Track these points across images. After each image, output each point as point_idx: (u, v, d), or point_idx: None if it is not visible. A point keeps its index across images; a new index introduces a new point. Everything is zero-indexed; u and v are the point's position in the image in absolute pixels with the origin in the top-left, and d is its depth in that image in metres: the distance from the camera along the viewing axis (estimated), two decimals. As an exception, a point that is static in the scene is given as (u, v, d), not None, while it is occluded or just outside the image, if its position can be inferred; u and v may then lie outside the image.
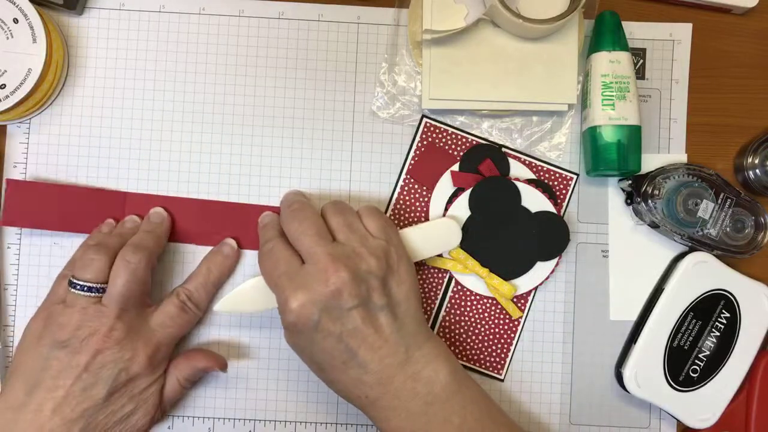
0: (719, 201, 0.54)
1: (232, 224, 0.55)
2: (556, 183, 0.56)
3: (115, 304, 0.48)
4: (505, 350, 0.56)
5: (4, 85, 0.51)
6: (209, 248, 0.55)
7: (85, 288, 0.48)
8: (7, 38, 0.51)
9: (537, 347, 0.56)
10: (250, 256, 0.55)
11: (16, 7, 0.51)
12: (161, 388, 0.50)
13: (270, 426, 0.55)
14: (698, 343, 0.54)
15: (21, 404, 0.46)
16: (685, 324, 0.54)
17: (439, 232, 0.53)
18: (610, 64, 0.53)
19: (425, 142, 0.56)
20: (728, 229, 0.54)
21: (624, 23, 0.54)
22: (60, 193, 0.53)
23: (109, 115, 0.55)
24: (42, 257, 0.55)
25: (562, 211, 0.56)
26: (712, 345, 0.54)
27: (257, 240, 0.53)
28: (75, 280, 0.48)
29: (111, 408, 0.47)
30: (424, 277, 0.55)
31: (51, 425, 0.45)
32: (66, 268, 0.52)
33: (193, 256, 0.55)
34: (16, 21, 0.51)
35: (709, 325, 0.54)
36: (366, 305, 0.46)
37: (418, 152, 0.56)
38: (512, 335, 0.56)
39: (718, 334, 0.54)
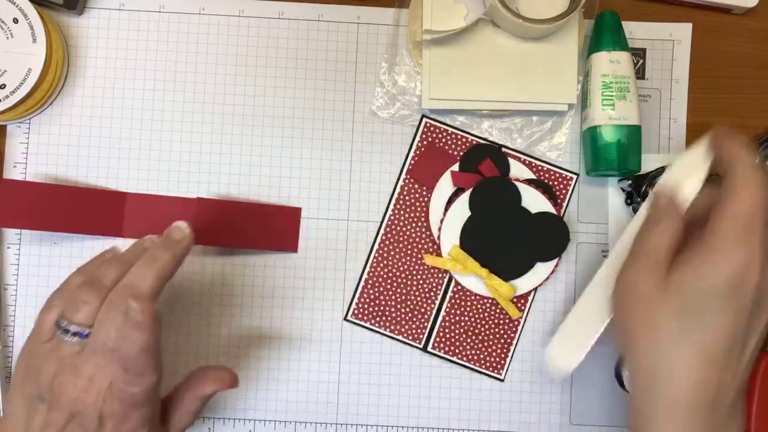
0: (719, 201, 0.54)
1: (233, 223, 0.55)
2: (556, 183, 0.56)
3: (97, 357, 0.41)
4: (505, 350, 0.56)
5: (4, 85, 0.51)
6: (209, 248, 0.55)
7: (70, 333, 0.42)
8: (7, 38, 0.51)
9: (537, 347, 0.56)
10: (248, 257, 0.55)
11: (16, 7, 0.51)
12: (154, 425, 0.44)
13: (270, 426, 0.55)
14: (698, 343, 0.54)
15: None
16: (685, 324, 0.54)
17: None
18: (610, 64, 0.53)
19: (425, 142, 0.56)
20: (728, 229, 0.54)
21: (624, 23, 0.54)
22: (59, 193, 0.53)
23: (109, 115, 0.56)
24: (42, 257, 0.55)
25: (562, 211, 0.56)
26: (712, 345, 0.54)
27: (256, 240, 0.53)
28: (61, 320, 0.42)
29: None
30: (423, 277, 0.55)
31: None
32: (54, 296, 0.45)
33: (194, 256, 0.55)
34: (16, 21, 0.51)
35: (709, 325, 0.54)
36: None
37: (418, 152, 0.56)
38: (512, 335, 0.56)
39: (718, 334, 0.54)
